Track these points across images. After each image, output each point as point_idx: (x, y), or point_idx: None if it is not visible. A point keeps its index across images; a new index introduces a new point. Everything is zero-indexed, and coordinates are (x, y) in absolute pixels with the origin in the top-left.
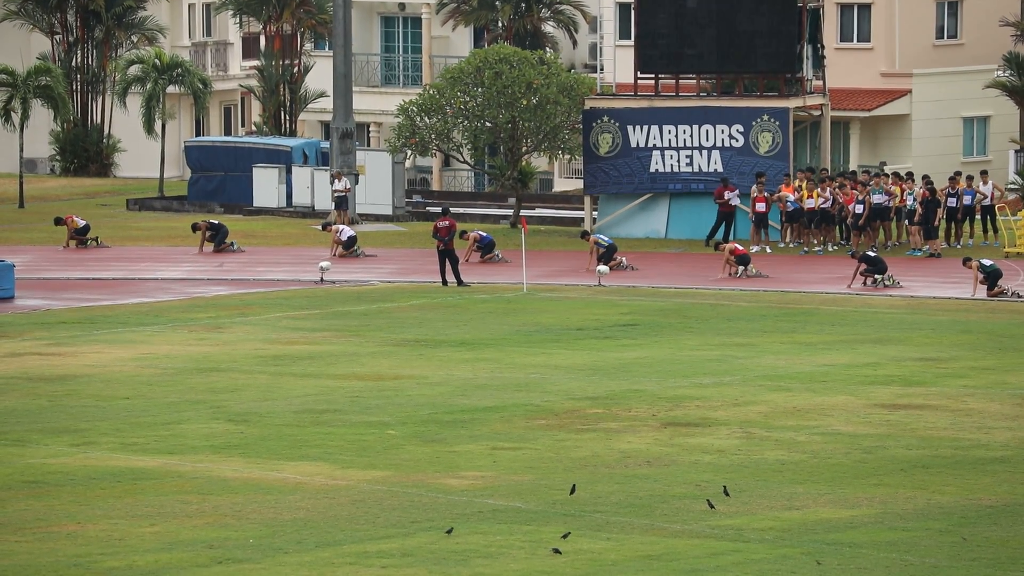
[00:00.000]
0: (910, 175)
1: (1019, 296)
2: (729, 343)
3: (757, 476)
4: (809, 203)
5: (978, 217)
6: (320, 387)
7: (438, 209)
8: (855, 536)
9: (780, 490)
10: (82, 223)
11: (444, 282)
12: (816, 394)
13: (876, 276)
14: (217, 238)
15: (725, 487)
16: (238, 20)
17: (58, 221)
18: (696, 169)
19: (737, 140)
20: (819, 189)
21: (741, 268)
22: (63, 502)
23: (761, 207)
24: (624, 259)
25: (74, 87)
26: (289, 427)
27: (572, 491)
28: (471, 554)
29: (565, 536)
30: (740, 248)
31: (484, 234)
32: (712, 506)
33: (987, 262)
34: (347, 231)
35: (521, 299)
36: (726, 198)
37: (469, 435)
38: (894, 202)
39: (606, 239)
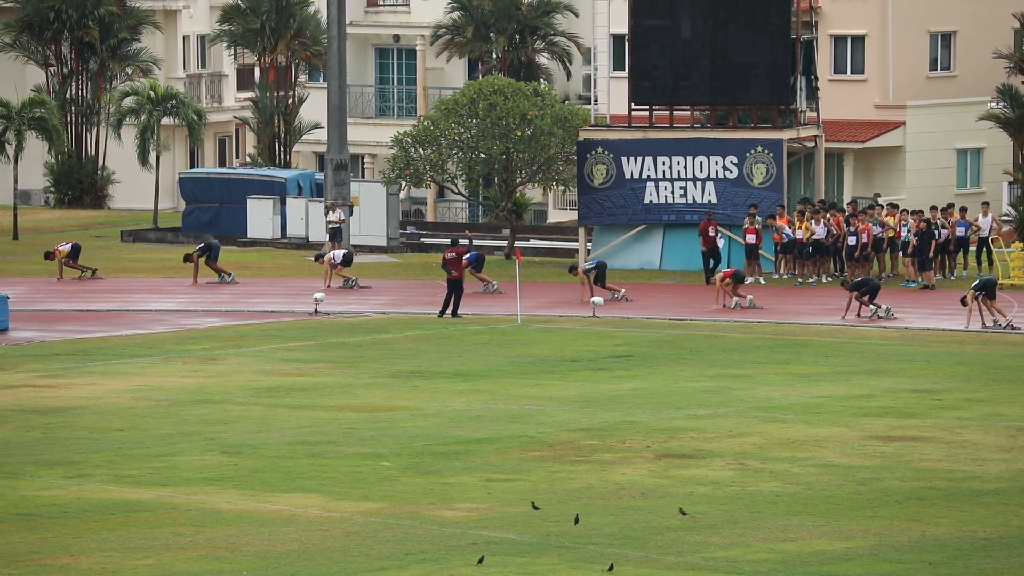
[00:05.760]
0: (894, 206)
1: (1013, 328)
2: (723, 374)
3: (752, 508)
4: (799, 234)
5: (972, 249)
6: (314, 419)
7: (444, 241)
8: (850, 568)
9: (775, 522)
10: (67, 247)
11: (442, 313)
12: (811, 426)
13: (872, 303)
14: (210, 255)
15: (681, 508)
16: (233, 52)
17: (48, 255)
18: (690, 200)
19: (731, 171)
20: (812, 221)
21: (741, 283)
22: (57, 534)
23: (751, 239)
24: (623, 291)
25: (68, 119)
26: (283, 459)
27: (576, 521)
28: None
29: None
30: (729, 270)
31: (472, 252)
32: (684, 513)
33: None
34: (340, 252)
35: (516, 330)
36: (710, 235)
37: (463, 467)
38: (888, 233)
39: (591, 262)
